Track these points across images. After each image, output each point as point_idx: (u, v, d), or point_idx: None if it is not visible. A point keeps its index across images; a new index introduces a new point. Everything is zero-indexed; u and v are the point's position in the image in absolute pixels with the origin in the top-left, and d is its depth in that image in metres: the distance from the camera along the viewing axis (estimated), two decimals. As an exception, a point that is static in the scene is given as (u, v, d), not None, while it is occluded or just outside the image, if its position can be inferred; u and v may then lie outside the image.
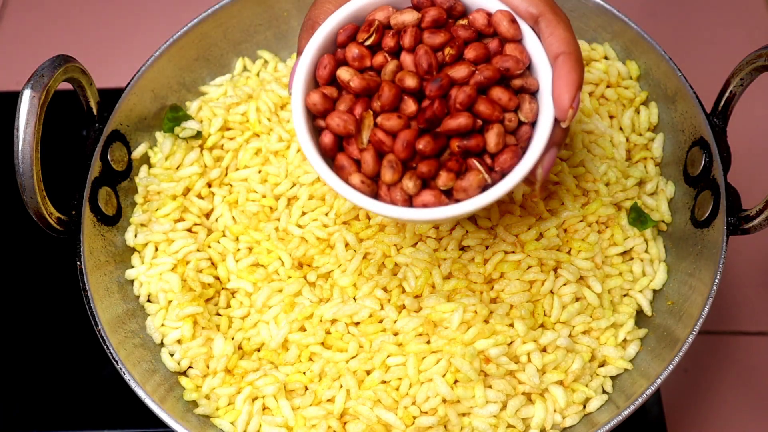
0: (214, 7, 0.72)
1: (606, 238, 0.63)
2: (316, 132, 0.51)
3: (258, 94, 0.71)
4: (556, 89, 0.48)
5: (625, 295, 0.63)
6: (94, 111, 0.65)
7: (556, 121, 0.49)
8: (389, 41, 0.49)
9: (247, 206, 0.67)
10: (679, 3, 0.98)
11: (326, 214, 0.65)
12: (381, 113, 0.48)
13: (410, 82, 0.48)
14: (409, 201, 0.48)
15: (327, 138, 0.49)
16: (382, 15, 0.50)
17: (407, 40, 0.49)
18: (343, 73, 0.49)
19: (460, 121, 0.47)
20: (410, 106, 0.48)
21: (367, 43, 0.50)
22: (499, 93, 0.48)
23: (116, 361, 0.58)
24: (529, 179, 0.49)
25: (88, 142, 0.65)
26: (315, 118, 0.51)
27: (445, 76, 0.48)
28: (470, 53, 0.49)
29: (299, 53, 0.51)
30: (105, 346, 0.58)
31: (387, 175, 0.47)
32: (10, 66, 0.96)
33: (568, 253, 0.62)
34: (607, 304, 0.61)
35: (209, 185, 0.68)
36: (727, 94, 0.61)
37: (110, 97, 0.67)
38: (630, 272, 0.64)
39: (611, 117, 0.69)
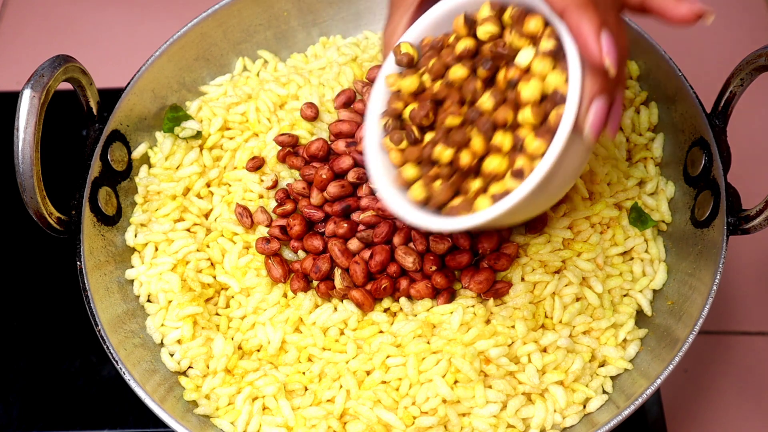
0: (214, 7, 0.72)
1: (607, 238, 0.63)
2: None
3: (257, 93, 0.71)
4: (572, 32, 0.46)
5: (625, 295, 0.63)
6: (94, 111, 0.65)
7: (586, 70, 0.47)
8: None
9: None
10: (679, 3, 0.98)
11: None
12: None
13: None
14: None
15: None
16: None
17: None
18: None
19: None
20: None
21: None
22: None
23: (116, 361, 0.58)
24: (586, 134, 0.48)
25: (88, 142, 0.65)
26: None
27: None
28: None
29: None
30: (105, 346, 0.58)
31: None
32: (10, 66, 0.96)
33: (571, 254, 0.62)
34: (607, 305, 0.61)
35: (208, 185, 0.68)
36: (727, 94, 0.61)
37: (110, 97, 0.67)
38: (630, 272, 0.63)
39: (611, 117, 0.69)
